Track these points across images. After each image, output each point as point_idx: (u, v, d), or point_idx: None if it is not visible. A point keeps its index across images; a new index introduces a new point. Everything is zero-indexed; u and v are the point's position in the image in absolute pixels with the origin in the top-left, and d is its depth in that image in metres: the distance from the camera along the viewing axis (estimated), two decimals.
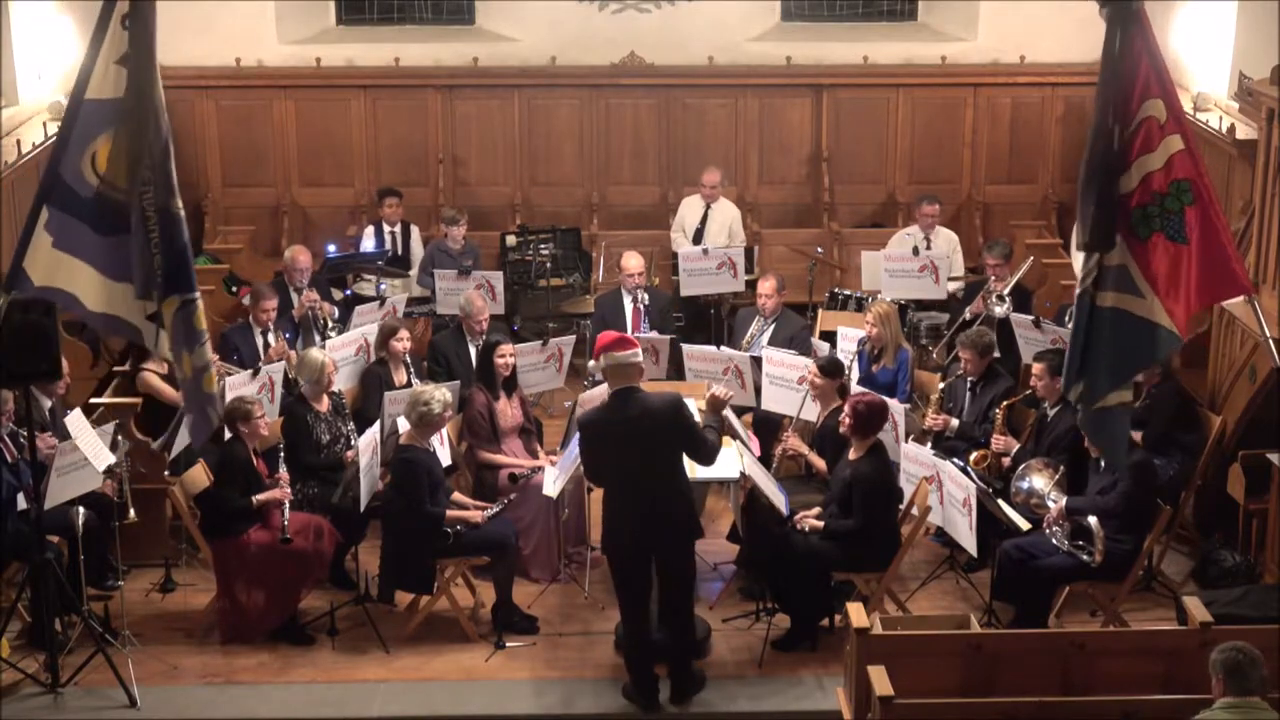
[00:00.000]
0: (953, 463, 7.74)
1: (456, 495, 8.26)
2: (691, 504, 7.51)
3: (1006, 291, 10.00)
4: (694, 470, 7.42)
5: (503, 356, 8.71)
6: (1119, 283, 6.32)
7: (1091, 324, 6.36)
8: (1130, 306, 6.33)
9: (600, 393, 8.78)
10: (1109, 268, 6.33)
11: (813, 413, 8.50)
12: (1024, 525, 7.72)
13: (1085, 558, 7.57)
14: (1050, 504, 7.74)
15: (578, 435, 7.46)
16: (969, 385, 8.85)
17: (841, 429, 7.84)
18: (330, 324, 10.02)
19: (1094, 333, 6.37)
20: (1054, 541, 7.67)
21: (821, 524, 7.75)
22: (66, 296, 6.67)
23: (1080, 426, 6.95)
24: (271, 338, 9.60)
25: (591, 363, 9.09)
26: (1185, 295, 6.33)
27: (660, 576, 7.28)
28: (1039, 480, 7.84)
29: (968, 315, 10.15)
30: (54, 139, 6.85)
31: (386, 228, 11.62)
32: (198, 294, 6.62)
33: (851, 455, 7.80)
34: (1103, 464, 7.70)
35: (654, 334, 9.87)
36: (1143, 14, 6.17)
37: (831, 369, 8.41)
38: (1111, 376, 6.39)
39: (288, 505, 7.90)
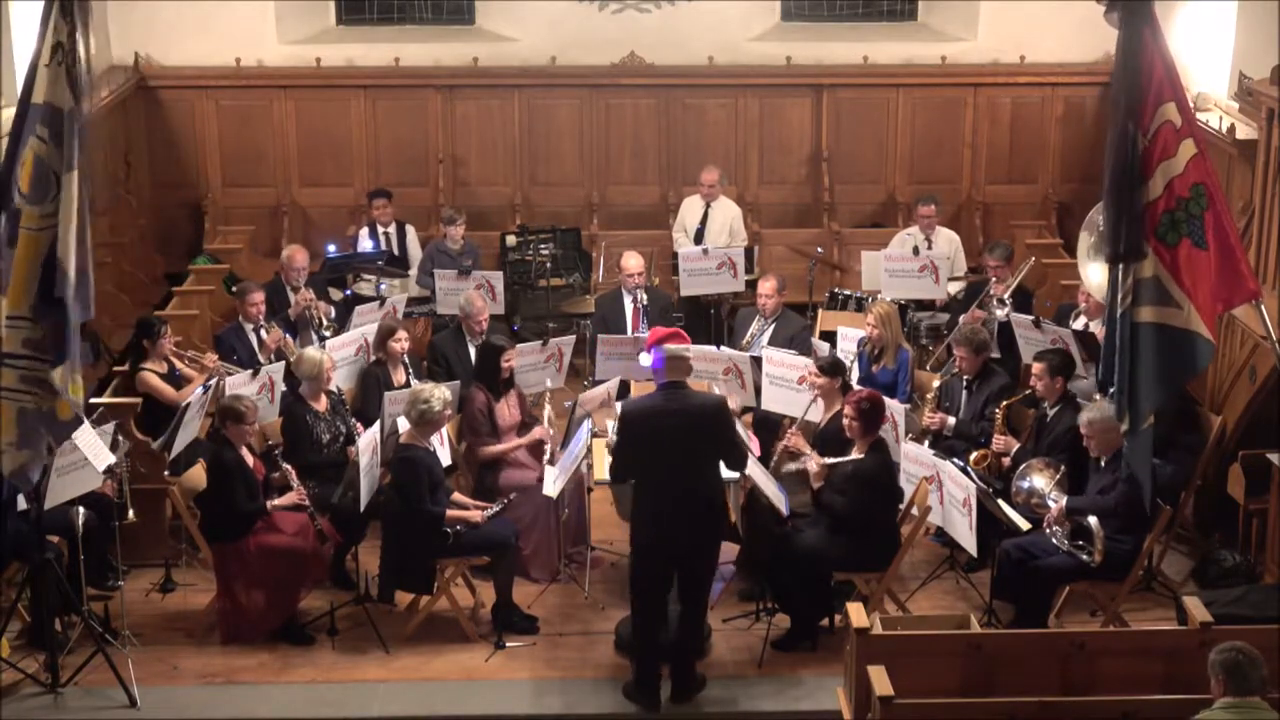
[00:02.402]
0: (953, 463, 7.73)
1: (456, 495, 8.25)
2: (724, 505, 7.51)
3: (1007, 295, 9.98)
4: None
5: (508, 360, 8.72)
6: (1155, 296, 6.23)
7: (1134, 343, 6.25)
8: (1169, 319, 6.25)
9: (600, 392, 8.81)
10: (1142, 281, 6.24)
11: (814, 414, 8.49)
12: (1024, 525, 7.71)
13: (1085, 558, 7.56)
14: (1050, 504, 7.73)
15: (615, 425, 7.42)
16: (965, 384, 8.83)
17: (848, 433, 7.81)
18: (326, 323, 10.03)
19: (1136, 352, 6.25)
20: (1054, 541, 7.66)
21: (823, 459, 7.74)
22: None
23: (1126, 458, 6.82)
24: (264, 332, 9.61)
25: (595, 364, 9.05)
26: (1209, 300, 6.29)
27: (681, 575, 7.28)
28: (1039, 480, 7.83)
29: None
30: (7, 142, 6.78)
31: (380, 228, 11.62)
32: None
33: (853, 455, 7.79)
34: (1103, 463, 7.69)
35: None
36: (1153, 14, 6.12)
37: (832, 369, 8.40)
38: (1157, 392, 6.29)
39: (311, 508, 7.91)
